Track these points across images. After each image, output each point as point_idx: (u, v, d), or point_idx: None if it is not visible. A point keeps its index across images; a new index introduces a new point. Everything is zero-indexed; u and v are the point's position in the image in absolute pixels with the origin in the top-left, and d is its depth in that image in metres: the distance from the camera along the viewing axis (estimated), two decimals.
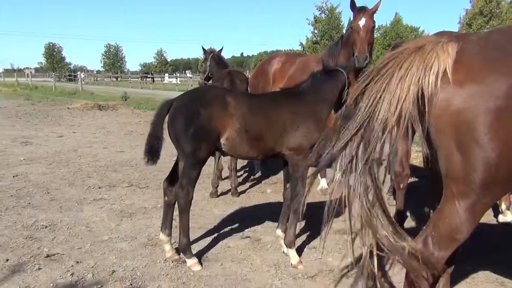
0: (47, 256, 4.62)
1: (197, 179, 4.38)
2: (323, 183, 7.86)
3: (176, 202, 4.43)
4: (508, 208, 5.76)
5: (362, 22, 6.52)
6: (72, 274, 4.24)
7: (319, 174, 7.83)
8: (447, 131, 2.38)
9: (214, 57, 8.35)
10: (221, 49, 8.63)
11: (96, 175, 8.31)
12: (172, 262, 4.54)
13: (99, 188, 7.39)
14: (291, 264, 4.55)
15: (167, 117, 4.31)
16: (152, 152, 4.33)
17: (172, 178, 4.59)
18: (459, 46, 2.46)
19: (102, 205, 6.46)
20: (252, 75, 8.89)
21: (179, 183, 4.35)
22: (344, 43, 7.16)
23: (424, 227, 2.63)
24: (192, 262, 4.41)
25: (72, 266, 4.41)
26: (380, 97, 2.51)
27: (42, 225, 5.51)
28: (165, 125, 4.35)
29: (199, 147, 4.16)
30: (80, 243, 5.01)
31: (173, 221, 4.72)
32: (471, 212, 2.40)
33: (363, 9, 6.65)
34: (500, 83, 2.22)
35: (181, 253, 4.53)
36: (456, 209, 2.42)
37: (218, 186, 7.11)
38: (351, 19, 6.80)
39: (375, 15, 6.72)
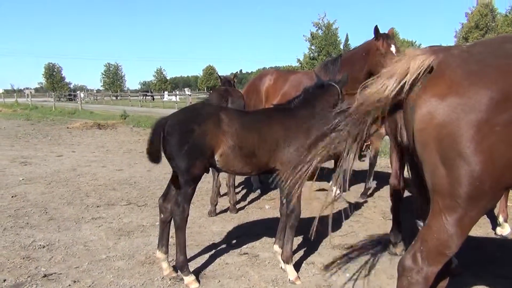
0: (45, 276, 4.62)
1: (192, 195, 4.39)
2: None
3: (172, 220, 4.43)
4: (505, 221, 5.76)
5: (393, 49, 6.79)
6: None
7: (330, 184, 7.91)
8: (431, 144, 2.41)
9: (226, 83, 8.55)
10: (235, 74, 8.96)
11: (94, 194, 8.32)
12: (170, 280, 4.53)
13: (98, 206, 7.40)
14: (289, 280, 4.54)
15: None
16: (153, 156, 4.36)
17: (168, 196, 4.61)
18: (439, 59, 2.51)
19: (100, 223, 6.46)
20: (243, 92, 8.92)
21: (174, 200, 4.37)
22: (345, 63, 7.27)
23: (412, 243, 2.64)
24: (189, 279, 4.40)
25: (69, 285, 4.40)
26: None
27: (40, 245, 5.51)
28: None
29: (193, 164, 4.18)
30: (77, 262, 5.00)
31: (170, 239, 4.72)
32: (459, 226, 2.41)
33: (389, 37, 6.91)
34: (481, 96, 2.25)
35: (178, 271, 4.52)
36: (443, 224, 2.43)
37: (216, 204, 7.10)
38: (381, 46, 6.94)
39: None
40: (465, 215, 2.39)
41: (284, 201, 4.72)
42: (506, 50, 2.43)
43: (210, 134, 4.19)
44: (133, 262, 5.01)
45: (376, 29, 7.05)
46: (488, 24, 55.34)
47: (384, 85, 2.63)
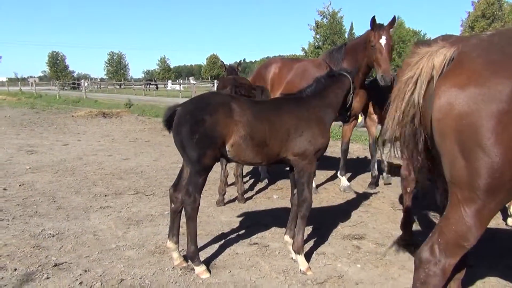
0: (55, 265, 4.62)
1: (203, 185, 4.37)
2: (343, 182, 7.86)
3: (183, 209, 4.42)
4: None
5: (383, 41, 6.72)
6: (80, 283, 4.23)
7: (339, 173, 7.91)
8: (450, 135, 2.37)
9: (229, 70, 8.54)
10: (239, 63, 8.91)
11: (102, 183, 8.32)
12: (181, 269, 4.53)
13: (105, 196, 7.40)
14: (300, 270, 4.53)
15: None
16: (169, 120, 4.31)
17: (178, 185, 4.58)
18: (459, 49, 2.46)
19: (109, 213, 6.46)
20: (251, 80, 8.92)
21: (185, 190, 4.34)
22: (349, 51, 7.25)
23: (430, 234, 2.61)
24: (200, 269, 4.40)
25: (80, 275, 4.40)
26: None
27: (49, 233, 5.51)
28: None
29: (204, 154, 4.15)
30: (87, 251, 5.00)
31: (180, 228, 4.71)
32: (477, 218, 2.38)
33: (383, 27, 6.82)
34: (503, 86, 2.22)
35: (189, 261, 4.51)
36: (462, 216, 2.40)
37: (225, 193, 7.09)
38: (372, 37, 6.87)
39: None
40: (484, 207, 2.37)
41: (295, 191, 4.71)
42: None
43: (222, 124, 4.14)
44: (143, 252, 5.01)
45: (373, 20, 6.98)
46: (495, 13, 54.84)
47: (411, 90, 2.59)
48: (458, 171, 2.39)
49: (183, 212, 4.48)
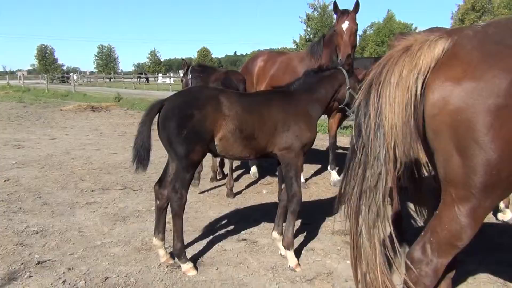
0: (38, 263, 4.50)
1: (190, 182, 4.28)
2: (334, 176, 7.80)
3: (169, 206, 4.32)
4: (507, 207, 5.69)
5: (345, 25, 6.74)
6: (64, 282, 4.12)
7: (329, 167, 7.85)
8: (444, 132, 2.27)
9: (195, 68, 8.08)
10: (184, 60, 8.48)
11: (89, 178, 8.18)
12: (167, 267, 4.44)
13: (92, 191, 7.27)
14: (289, 266, 4.46)
15: (156, 118, 4.21)
16: (141, 160, 4.18)
17: (163, 181, 4.49)
18: (453, 41, 2.35)
19: (95, 208, 6.34)
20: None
21: (172, 187, 4.25)
22: (326, 43, 7.26)
23: (422, 233, 2.53)
24: (187, 267, 4.31)
25: (64, 273, 4.29)
26: (383, 105, 2.42)
27: (33, 230, 5.38)
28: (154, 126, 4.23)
29: (192, 149, 4.06)
30: (72, 248, 4.89)
31: (167, 225, 4.61)
32: (472, 217, 2.30)
33: (346, 12, 6.83)
34: (500, 80, 2.12)
35: (175, 258, 4.42)
36: (456, 215, 2.32)
37: (217, 171, 7.08)
38: (335, 22, 6.89)
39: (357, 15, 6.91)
40: (479, 205, 2.29)
41: (283, 186, 4.64)
42: None
43: (210, 118, 4.06)
44: (129, 249, 4.91)
45: (334, 5, 6.97)
46: (485, 6, 55.00)
47: (414, 85, 2.40)
48: (453, 169, 2.30)
49: (169, 208, 4.37)
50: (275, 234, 4.75)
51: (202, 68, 8.20)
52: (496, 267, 4.39)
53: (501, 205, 5.70)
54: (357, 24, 6.79)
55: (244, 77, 7.77)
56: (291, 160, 4.42)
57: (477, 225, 2.35)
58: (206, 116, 4.04)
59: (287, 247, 4.54)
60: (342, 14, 6.79)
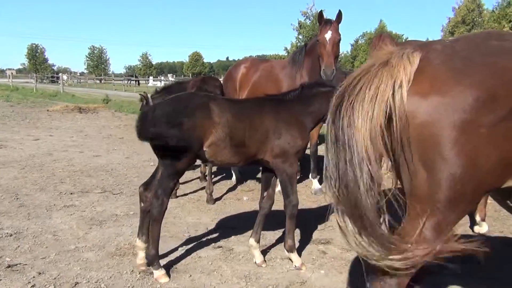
0: (8, 266, 4.43)
1: (173, 189, 4.29)
2: (315, 184, 7.79)
3: (150, 211, 4.27)
4: (483, 220, 5.72)
5: (328, 35, 6.72)
6: (33, 286, 4.06)
7: (310, 175, 7.84)
8: (411, 145, 2.26)
9: (154, 96, 7.83)
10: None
11: (69, 180, 8.10)
12: (139, 273, 4.39)
13: (71, 194, 7.19)
14: (295, 266, 4.62)
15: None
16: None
17: (150, 184, 4.45)
18: (422, 55, 2.35)
19: (72, 212, 6.27)
20: (223, 80, 8.92)
21: (154, 192, 4.21)
22: (308, 52, 7.29)
23: None
24: (159, 273, 4.26)
25: (33, 277, 4.22)
26: (356, 118, 2.36)
27: (7, 233, 5.30)
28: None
29: (179, 157, 4.04)
30: (45, 252, 4.82)
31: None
32: (437, 231, 2.29)
33: (329, 22, 6.83)
34: (466, 95, 2.12)
35: (149, 264, 4.37)
36: (421, 229, 2.31)
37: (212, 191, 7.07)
38: (318, 32, 6.97)
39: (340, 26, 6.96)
40: (443, 219, 2.28)
41: (265, 194, 4.71)
42: (492, 47, 2.29)
43: (200, 126, 4.03)
44: (103, 254, 4.85)
45: (319, 15, 6.99)
46: (475, 19, 55.78)
47: (394, 94, 2.35)
48: (418, 183, 2.29)
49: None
50: (252, 241, 4.73)
51: (165, 90, 8.00)
52: (470, 279, 4.39)
53: (477, 218, 5.73)
54: (340, 34, 6.81)
55: (220, 83, 7.80)
56: (285, 168, 4.45)
57: (442, 239, 2.34)
58: (195, 124, 4.02)
59: (290, 250, 4.66)
60: (325, 24, 6.81)
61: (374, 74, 2.41)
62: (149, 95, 7.66)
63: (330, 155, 2.52)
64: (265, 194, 4.72)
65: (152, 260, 4.28)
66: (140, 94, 7.96)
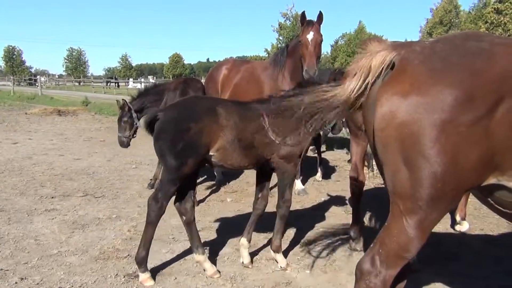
0: None
1: (174, 194, 4.24)
2: (298, 185, 7.81)
3: (147, 213, 4.22)
4: (463, 219, 5.83)
5: (310, 36, 6.77)
6: None
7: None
8: (392, 145, 2.32)
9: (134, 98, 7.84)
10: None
11: (50, 184, 7.99)
12: (124, 277, 4.36)
13: (52, 198, 7.10)
14: (281, 267, 4.64)
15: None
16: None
17: (182, 195, 4.42)
18: (401, 55, 2.42)
19: (54, 216, 6.19)
20: (205, 81, 8.91)
21: (154, 195, 4.18)
22: (290, 52, 7.32)
23: (371, 245, 2.56)
24: (144, 276, 4.24)
25: (16, 283, 4.16)
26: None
27: None
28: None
29: (185, 163, 4.02)
30: (26, 257, 4.75)
31: (128, 233, 4.53)
32: (419, 229, 2.34)
33: (311, 23, 6.87)
34: (445, 95, 2.18)
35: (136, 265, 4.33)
36: (404, 227, 2.35)
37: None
38: (300, 33, 7.01)
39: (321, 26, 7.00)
40: (426, 217, 2.33)
41: (260, 195, 4.77)
42: (470, 48, 2.35)
43: (207, 131, 4.03)
44: (86, 258, 4.80)
45: (302, 15, 7.05)
46: (452, 20, 56.71)
47: (347, 86, 2.53)
48: (401, 182, 2.34)
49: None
50: (243, 240, 4.73)
51: (142, 95, 7.93)
52: (451, 278, 4.47)
53: (457, 217, 5.84)
54: (321, 35, 6.86)
55: (202, 84, 7.80)
56: (288, 168, 4.50)
57: (425, 237, 2.39)
58: (202, 129, 4.02)
59: (276, 250, 4.68)
60: (307, 25, 6.85)
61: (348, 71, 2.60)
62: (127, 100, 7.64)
63: None
64: (259, 195, 4.75)
65: (141, 262, 4.24)
66: (118, 101, 7.99)
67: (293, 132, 4.40)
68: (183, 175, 4.13)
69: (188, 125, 3.98)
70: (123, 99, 7.78)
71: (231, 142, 4.16)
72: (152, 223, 4.20)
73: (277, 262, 4.69)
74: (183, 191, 4.39)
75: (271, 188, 7.83)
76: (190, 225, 4.46)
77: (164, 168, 4.20)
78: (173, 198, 4.33)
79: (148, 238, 4.25)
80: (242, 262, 4.72)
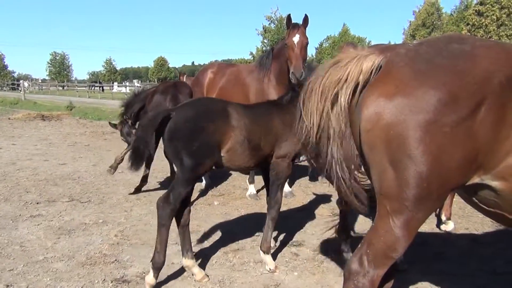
0: None
1: (186, 195, 4.23)
2: (251, 189, 7.80)
3: (157, 216, 4.17)
4: (449, 218, 5.89)
5: (296, 38, 6.80)
6: None
7: (247, 180, 7.88)
8: (378, 146, 2.35)
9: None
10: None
11: (34, 189, 7.90)
12: (111, 282, 4.33)
13: (37, 203, 7.02)
14: (269, 269, 4.65)
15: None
16: (137, 156, 4.06)
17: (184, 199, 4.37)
18: (387, 58, 2.45)
19: (39, 222, 6.12)
20: (191, 85, 8.92)
21: (165, 196, 4.13)
22: (275, 55, 7.34)
23: (359, 245, 2.59)
24: (149, 279, 4.17)
25: None
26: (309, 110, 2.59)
27: None
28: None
29: (202, 162, 4.06)
30: (12, 264, 4.70)
31: (116, 237, 4.50)
32: (406, 229, 2.37)
33: (296, 26, 6.89)
34: (429, 96, 2.22)
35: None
36: (391, 227, 2.38)
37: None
38: (286, 35, 7.03)
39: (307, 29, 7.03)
40: (412, 217, 2.36)
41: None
42: (453, 50, 2.40)
43: (221, 130, 4.09)
44: (73, 264, 4.76)
45: (288, 18, 7.08)
46: (434, 22, 57.42)
47: (338, 92, 2.53)
48: (387, 182, 2.37)
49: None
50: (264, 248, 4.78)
51: (127, 107, 7.95)
52: (438, 277, 4.52)
53: (443, 217, 5.90)
54: (307, 38, 6.90)
55: (191, 89, 7.81)
56: (284, 168, 4.60)
57: (411, 237, 2.43)
58: (217, 128, 4.07)
59: (266, 251, 4.70)
60: (293, 27, 6.87)
61: (326, 72, 2.58)
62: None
63: None
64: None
65: (159, 268, 4.20)
66: (110, 123, 8.37)
67: (291, 134, 4.47)
68: (198, 175, 4.20)
69: (204, 125, 4.03)
70: (121, 113, 7.91)
71: (241, 143, 4.22)
72: (165, 225, 4.15)
73: (266, 264, 4.70)
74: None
75: (258, 190, 7.89)
76: (184, 228, 4.44)
77: (179, 169, 4.15)
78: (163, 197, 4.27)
79: (163, 241, 4.21)
80: (270, 269, 4.69)
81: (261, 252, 4.75)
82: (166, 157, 6.84)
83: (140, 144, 4.03)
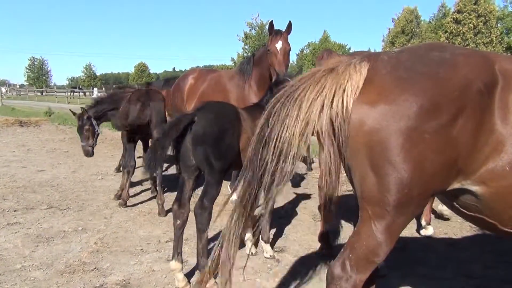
0: None
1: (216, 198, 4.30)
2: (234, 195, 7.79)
3: (196, 223, 4.25)
4: (428, 223, 5.96)
5: (279, 45, 6.85)
6: None
7: (229, 187, 7.85)
8: (361, 151, 2.38)
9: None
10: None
11: (12, 197, 7.75)
12: None
13: (15, 211, 6.89)
14: (270, 256, 5.18)
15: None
16: (155, 159, 4.04)
17: (182, 199, 4.36)
18: (370, 65, 2.48)
19: (17, 229, 6.00)
20: (172, 90, 8.92)
21: (200, 203, 4.19)
22: (256, 62, 7.37)
23: (341, 250, 2.60)
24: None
25: None
26: (290, 116, 2.52)
27: None
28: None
29: (229, 163, 4.27)
30: None
31: (96, 245, 4.44)
32: (388, 233, 2.39)
33: (279, 33, 6.94)
34: (410, 103, 2.26)
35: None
36: (373, 231, 2.40)
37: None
38: (269, 42, 7.05)
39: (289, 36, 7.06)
40: (393, 222, 2.39)
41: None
42: (434, 58, 2.45)
43: (237, 132, 4.30)
44: (51, 272, 4.67)
45: (270, 25, 7.12)
46: (413, 30, 58.29)
47: (329, 101, 2.48)
48: (369, 187, 2.40)
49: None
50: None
51: (98, 103, 7.75)
52: (418, 280, 4.56)
53: (423, 222, 5.97)
54: (290, 45, 6.94)
55: (163, 96, 7.79)
56: None
57: (393, 241, 2.45)
58: (235, 130, 4.30)
59: (266, 241, 5.28)
60: (276, 34, 6.91)
61: (318, 78, 2.54)
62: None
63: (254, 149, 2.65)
64: None
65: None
66: (71, 111, 8.29)
67: None
68: (224, 176, 4.34)
69: (228, 127, 4.23)
70: (82, 107, 7.64)
71: (248, 144, 4.22)
72: (204, 230, 4.24)
73: (266, 252, 5.24)
74: (184, 196, 4.38)
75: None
76: (180, 230, 4.42)
77: (208, 172, 4.18)
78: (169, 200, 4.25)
79: (205, 246, 4.32)
80: (270, 256, 5.21)
81: (262, 241, 5.23)
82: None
83: (160, 147, 4.04)
